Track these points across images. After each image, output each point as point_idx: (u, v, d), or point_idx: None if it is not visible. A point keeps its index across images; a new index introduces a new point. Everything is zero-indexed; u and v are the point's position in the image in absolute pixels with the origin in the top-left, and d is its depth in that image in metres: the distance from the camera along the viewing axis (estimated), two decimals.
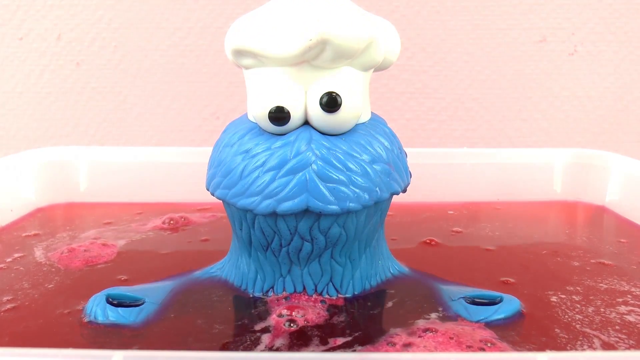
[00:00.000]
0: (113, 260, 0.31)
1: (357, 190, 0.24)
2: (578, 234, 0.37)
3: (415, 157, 0.33)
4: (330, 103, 0.23)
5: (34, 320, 0.24)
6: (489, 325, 0.23)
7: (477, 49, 0.54)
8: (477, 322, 0.24)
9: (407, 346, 0.22)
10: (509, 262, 0.31)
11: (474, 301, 0.25)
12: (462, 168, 0.42)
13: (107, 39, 0.54)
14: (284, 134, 0.24)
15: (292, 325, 0.23)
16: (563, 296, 0.26)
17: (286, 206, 0.23)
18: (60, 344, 0.22)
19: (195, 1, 0.53)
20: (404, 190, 0.26)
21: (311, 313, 0.24)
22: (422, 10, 0.53)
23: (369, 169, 0.24)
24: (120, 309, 0.24)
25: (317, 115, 0.24)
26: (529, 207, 0.41)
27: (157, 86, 0.54)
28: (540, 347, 0.22)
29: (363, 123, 0.26)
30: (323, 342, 0.22)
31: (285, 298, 0.25)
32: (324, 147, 0.24)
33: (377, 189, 0.24)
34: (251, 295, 0.26)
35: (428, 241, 0.33)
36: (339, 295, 0.26)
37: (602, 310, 0.25)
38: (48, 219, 0.38)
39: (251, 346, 0.22)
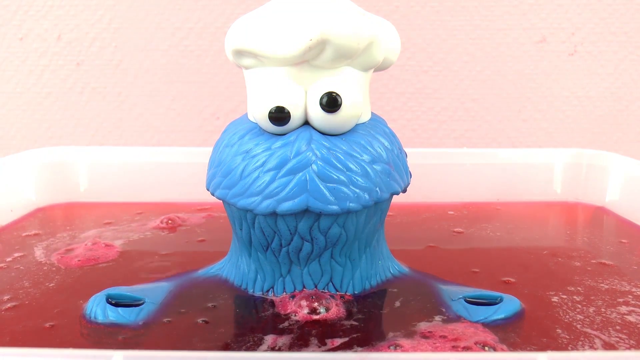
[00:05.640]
0: (113, 260, 0.31)
1: (357, 191, 0.24)
2: (578, 234, 0.37)
3: (415, 157, 0.33)
4: (331, 103, 0.23)
5: (34, 320, 0.24)
6: (489, 325, 0.23)
7: (477, 49, 0.54)
8: (477, 322, 0.24)
9: (407, 346, 0.22)
10: (509, 262, 0.31)
11: (474, 301, 0.25)
12: (462, 168, 0.42)
13: (107, 39, 0.53)
14: (284, 134, 0.24)
15: (314, 314, 0.24)
16: (564, 296, 0.26)
17: (286, 206, 0.23)
18: (60, 344, 0.22)
19: (195, 1, 0.53)
20: (404, 190, 0.26)
21: (335, 309, 0.24)
22: (422, 10, 0.53)
23: (369, 169, 0.24)
24: (120, 309, 0.24)
25: (317, 115, 0.24)
26: (529, 207, 0.40)
27: (157, 86, 0.54)
28: (541, 347, 0.22)
29: (363, 123, 0.26)
30: (322, 342, 0.22)
31: (292, 296, 0.25)
32: (324, 147, 0.24)
33: (377, 189, 0.24)
34: (251, 295, 0.26)
35: (428, 241, 0.33)
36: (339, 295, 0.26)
37: (602, 310, 0.25)
38: (48, 219, 0.38)
39: (253, 346, 0.22)
